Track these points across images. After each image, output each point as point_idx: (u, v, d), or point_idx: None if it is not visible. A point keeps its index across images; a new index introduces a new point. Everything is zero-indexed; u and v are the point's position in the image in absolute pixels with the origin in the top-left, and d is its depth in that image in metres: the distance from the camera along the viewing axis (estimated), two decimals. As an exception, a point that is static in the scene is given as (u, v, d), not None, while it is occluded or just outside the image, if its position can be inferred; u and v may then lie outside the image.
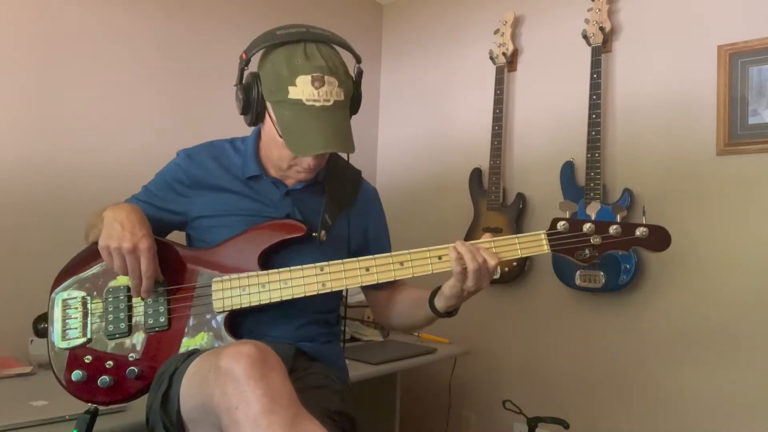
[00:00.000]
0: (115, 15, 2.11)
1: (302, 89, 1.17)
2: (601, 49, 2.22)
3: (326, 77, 1.19)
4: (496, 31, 2.56)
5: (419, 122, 2.93)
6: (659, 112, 2.18)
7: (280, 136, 1.21)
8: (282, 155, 1.26)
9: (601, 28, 2.22)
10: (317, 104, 1.18)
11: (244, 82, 1.27)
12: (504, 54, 2.52)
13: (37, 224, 1.91)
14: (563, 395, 2.36)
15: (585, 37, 2.25)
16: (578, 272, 2.19)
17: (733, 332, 2.00)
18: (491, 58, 2.55)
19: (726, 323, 2.01)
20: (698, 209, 2.08)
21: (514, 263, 2.40)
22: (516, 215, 2.43)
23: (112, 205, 1.24)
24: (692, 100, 2.11)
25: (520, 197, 2.46)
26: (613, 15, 2.29)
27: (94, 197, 2.01)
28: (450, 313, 1.28)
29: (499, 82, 2.51)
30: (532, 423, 2.04)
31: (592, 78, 2.20)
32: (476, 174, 2.59)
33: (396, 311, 1.41)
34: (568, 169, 2.29)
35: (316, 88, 1.18)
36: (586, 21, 2.26)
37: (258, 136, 1.36)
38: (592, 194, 2.14)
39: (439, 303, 1.26)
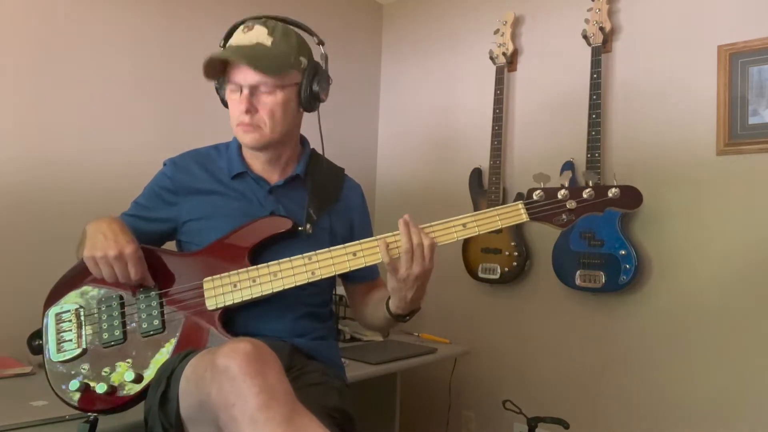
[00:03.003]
0: (114, 15, 2.11)
1: (234, 38, 1.31)
2: (601, 49, 2.22)
3: (256, 26, 1.29)
4: (496, 31, 2.56)
5: (419, 122, 2.93)
6: (659, 112, 2.18)
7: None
8: (232, 115, 1.33)
9: (601, 28, 2.22)
10: (241, 43, 1.29)
11: None
12: (504, 54, 2.52)
13: (36, 224, 1.91)
14: (563, 395, 2.36)
15: (585, 37, 2.25)
16: (578, 272, 2.19)
17: (734, 332, 1.99)
18: (491, 58, 2.55)
19: (726, 323, 2.01)
20: (698, 209, 2.08)
21: (514, 263, 2.40)
22: (516, 215, 2.43)
23: (94, 220, 1.27)
24: (692, 100, 2.11)
25: (520, 197, 2.45)
26: (613, 15, 2.29)
27: (94, 197, 2.01)
28: (404, 316, 1.29)
29: (499, 82, 2.51)
30: (532, 423, 2.04)
31: (592, 78, 2.20)
32: (476, 174, 2.60)
33: (366, 310, 1.45)
34: (568, 168, 2.29)
35: (244, 33, 1.30)
36: (586, 21, 2.26)
37: None
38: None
39: (391, 303, 1.28)
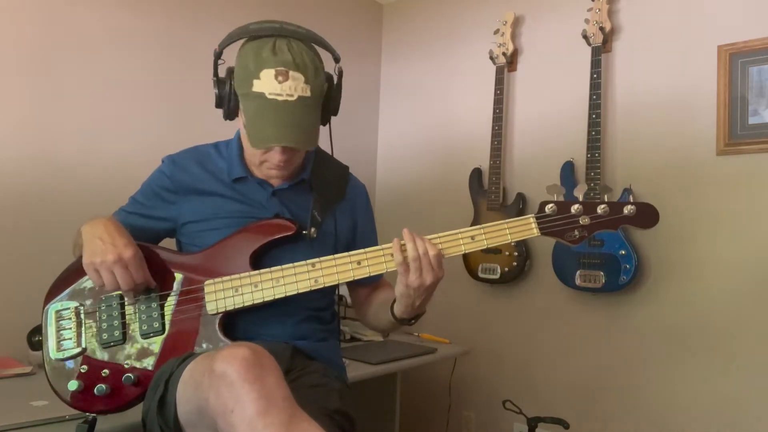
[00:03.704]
0: (115, 15, 2.11)
1: (266, 83, 1.18)
2: (601, 49, 2.21)
3: (291, 72, 1.18)
4: (496, 31, 2.56)
5: (419, 122, 2.93)
6: (659, 112, 2.18)
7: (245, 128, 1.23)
8: (253, 150, 1.27)
9: (601, 28, 2.22)
10: (279, 98, 1.17)
11: (220, 75, 1.29)
12: (504, 54, 2.52)
13: (36, 224, 1.91)
14: (563, 395, 2.36)
15: (585, 37, 2.25)
16: (578, 272, 2.19)
17: (733, 333, 2.00)
18: (491, 58, 2.55)
19: (726, 324, 2.01)
20: (698, 209, 2.08)
21: (514, 263, 2.40)
22: (516, 215, 2.40)
23: (89, 221, 1.24)
24: (692, 100, 2.11)
25: (520, 197, 2.46)
26: (613, 15, 2.29)
27: (95, 197, 2.01)
28: (410, 320, 1.27)
29: (499, 82, 2.51)
30: (532, 423, 2.04)
31: (592, 78, 2.20)
32: (476, 174, 2.60)
33: (369, 311, 1.43)
34: (568, 168, 2.29)
35: (280, 83, 1.17)
36: (586, 21, 2.26)
37: (240, 137, 1.36)
38: (592, 194, 2.14)
39: (396, 307, 1.26)
